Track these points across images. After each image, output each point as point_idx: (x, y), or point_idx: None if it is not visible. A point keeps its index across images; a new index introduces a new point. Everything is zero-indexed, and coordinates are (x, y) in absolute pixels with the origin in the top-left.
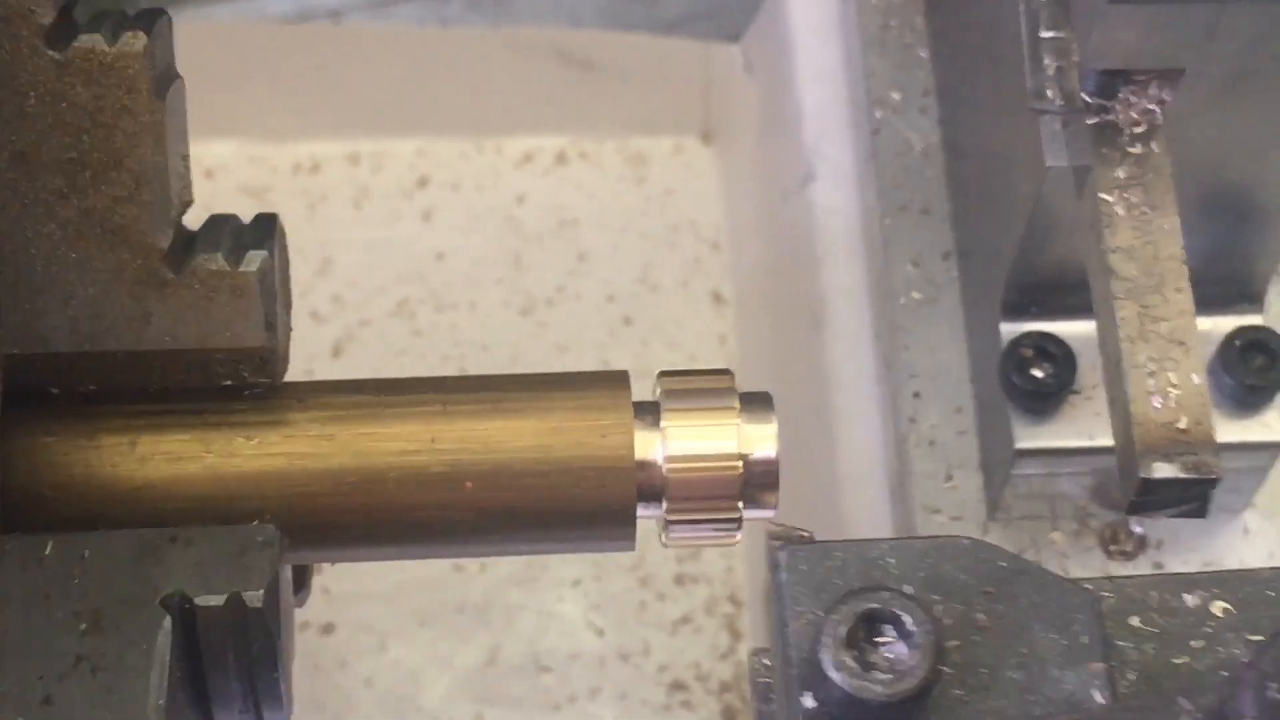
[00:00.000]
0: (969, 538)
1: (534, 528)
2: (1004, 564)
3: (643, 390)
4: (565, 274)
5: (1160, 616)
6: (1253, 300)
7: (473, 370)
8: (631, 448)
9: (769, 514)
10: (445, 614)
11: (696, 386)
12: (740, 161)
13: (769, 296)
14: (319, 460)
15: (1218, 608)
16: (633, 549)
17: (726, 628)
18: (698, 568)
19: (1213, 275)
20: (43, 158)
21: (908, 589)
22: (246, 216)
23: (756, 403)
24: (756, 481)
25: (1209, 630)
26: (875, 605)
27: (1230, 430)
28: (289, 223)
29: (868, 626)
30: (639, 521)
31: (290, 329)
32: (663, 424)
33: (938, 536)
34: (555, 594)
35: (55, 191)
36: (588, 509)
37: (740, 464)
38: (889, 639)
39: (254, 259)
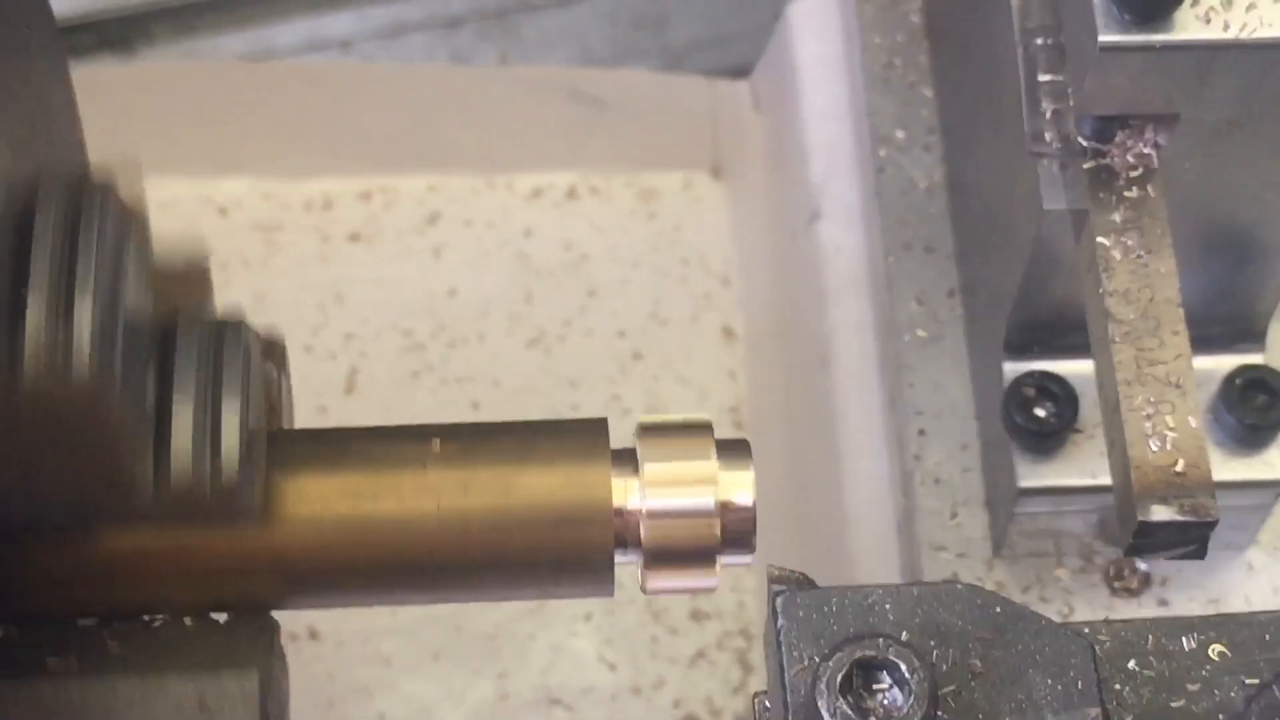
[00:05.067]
0: (965, 584)
1: (512, 575)
2: (1000, 610)
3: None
4: (576, 309)
5: (1157, 660)
6: (1254, 339)
7: (485, 405)
8: (609, 495)
9: (747, 560)
10: (457, 647)
11: (674, 435)
12: (750, 197)
13: (779, 332)
14: (303, 509)
15: (1215, 651)
16: (611, 595)
17: (738, 662)
18: (710, 603)
19: (1213, 315)
20: None
21: (904, 635)
22: (260, 252)
23: (734, 450)
24: (734, 528)
25: (1206, 674)
26: (870, 653)
27: (1232, 469)
28: (301, 259)
29: (863, 673)
30: (623, 568)
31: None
32: (641, 472)
33: (934, 583)
34: (567, 628)
35: None
36: (566, 556)
37: (717, 512)
38: (885, 685)
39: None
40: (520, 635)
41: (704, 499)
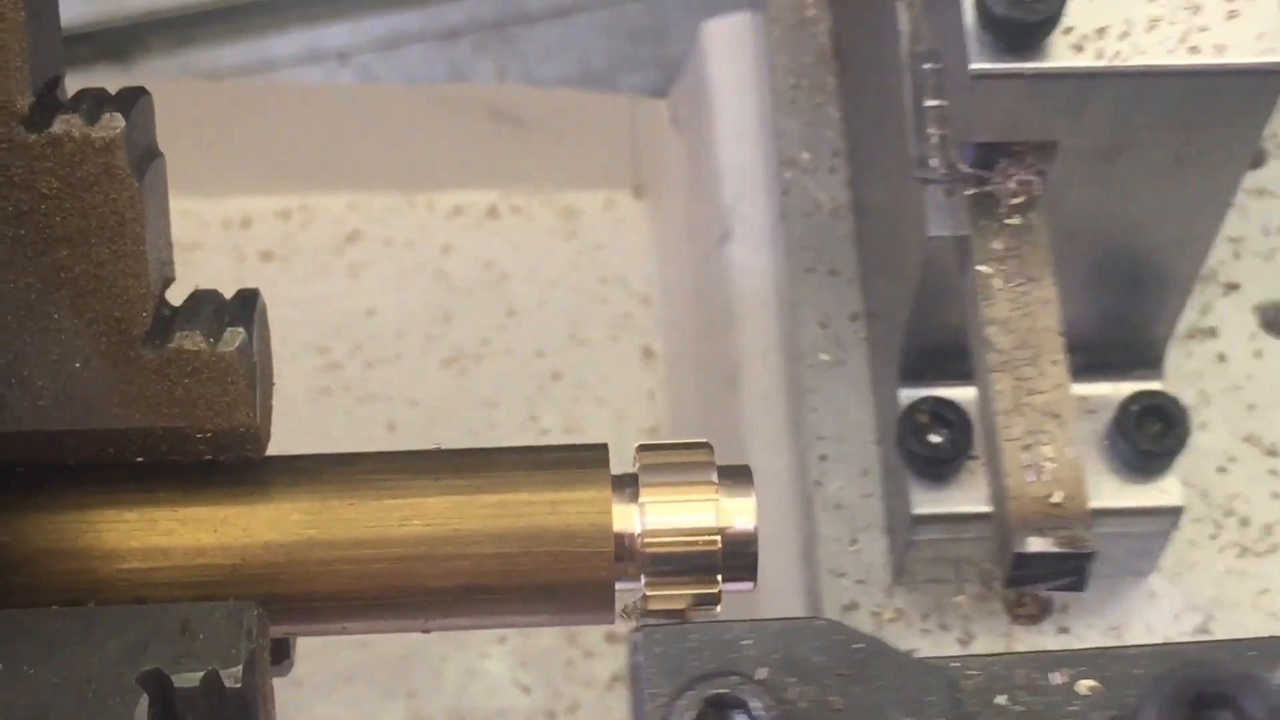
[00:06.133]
0: (826, 619)
1: (511, 601)
2: (860, 645)
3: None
4: (494, 328)
5: (1027, 694)
6: (1150, 365)
7: (401, 426)
8: (610, 522)
9: (748, 587)
10: (371, 670)
11: (675, 460)
12: (670, 217)
13: (695, 353)
14: (297, 535)
15: (1084, 686)
16: (612, 623)
17: None
18: (626, 627)
19: (1109, 340)
20: (21, 240)
21: (761, 672)
22: (177, 271)
23: (735, 476)
24: (735, 555)
25: (1074, 709)
26: (723, 690)
27: (1129, 496)
28: (219, 278)
29: (717, 711)
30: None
31: (271, 405)
32: (641, 498)
33: (794, 618)
34: (480, 650)
35: (34, 273)
36: (566, 583)
37: (719, 538)
38: None
39: (233, 337)
40: (433, 657)
41: (705, 526)
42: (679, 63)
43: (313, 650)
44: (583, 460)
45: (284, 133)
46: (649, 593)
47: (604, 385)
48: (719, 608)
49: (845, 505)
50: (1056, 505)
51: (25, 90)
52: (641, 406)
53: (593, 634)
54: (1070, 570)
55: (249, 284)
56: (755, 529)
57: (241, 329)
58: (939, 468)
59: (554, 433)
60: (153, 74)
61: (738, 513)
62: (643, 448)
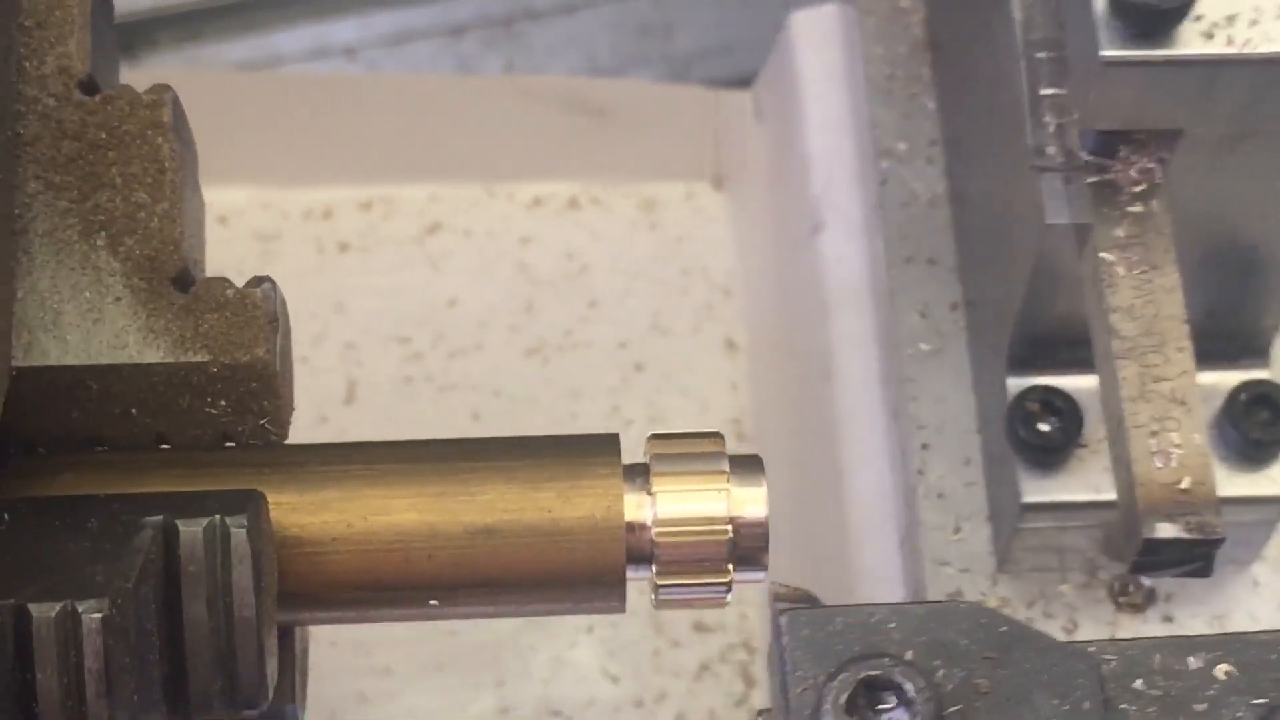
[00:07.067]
0: (969, 602)
1: (523, 590)
2: (1005, 629)
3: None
4: (576, 320)
5: (1164, 679)
6: (1259, 354)
7: (485, 416)
8: (621, 511)
9: (759, 576)
10: (460, 659)
11: (686, 449)
12: (752, 208)
13: (780, 344)
14: (314, 523)
15: (1221, 671)
16: (623, 611)
17: (741, 675)
18: (713, 616)
19: (1218, 330)
20: (68, 185)
21: (909, 655)
22: (258, 262)
23: (746, 465)
24: (746, 544)
25: (1212, 693)
26: (876, 672)
27: (1237, 484)
28: (300, 269)
29: (868, 693)
30: (630, 583)
31: (293, 390)
32: (652, 487)
33: (939, 601)
34: (569, 639)
35: (77, 214)
36: (577, 572)
37: (729, 527)
38: (890, 705)
39: (256, 283)
40: (522, 647)
41: (716, 515)
42: (687, 58)
43: (402, 639)
44: (594, 450)
45: (366, 124)
46: (659, 582)
47: (687, 376)
48: (729, 598)
49: (948, 494)
50: (1185, 491)
51: (85, 59)
52: (724, 398)
53: (680, 624)
54: (1198, 556)
55: (330, 275)
56: (766, 518)
57: (267, 281)
58: (1048, 456)
59: (637, 424)
60: (158, 70)
61: (749, 501)
62: (654, 437)
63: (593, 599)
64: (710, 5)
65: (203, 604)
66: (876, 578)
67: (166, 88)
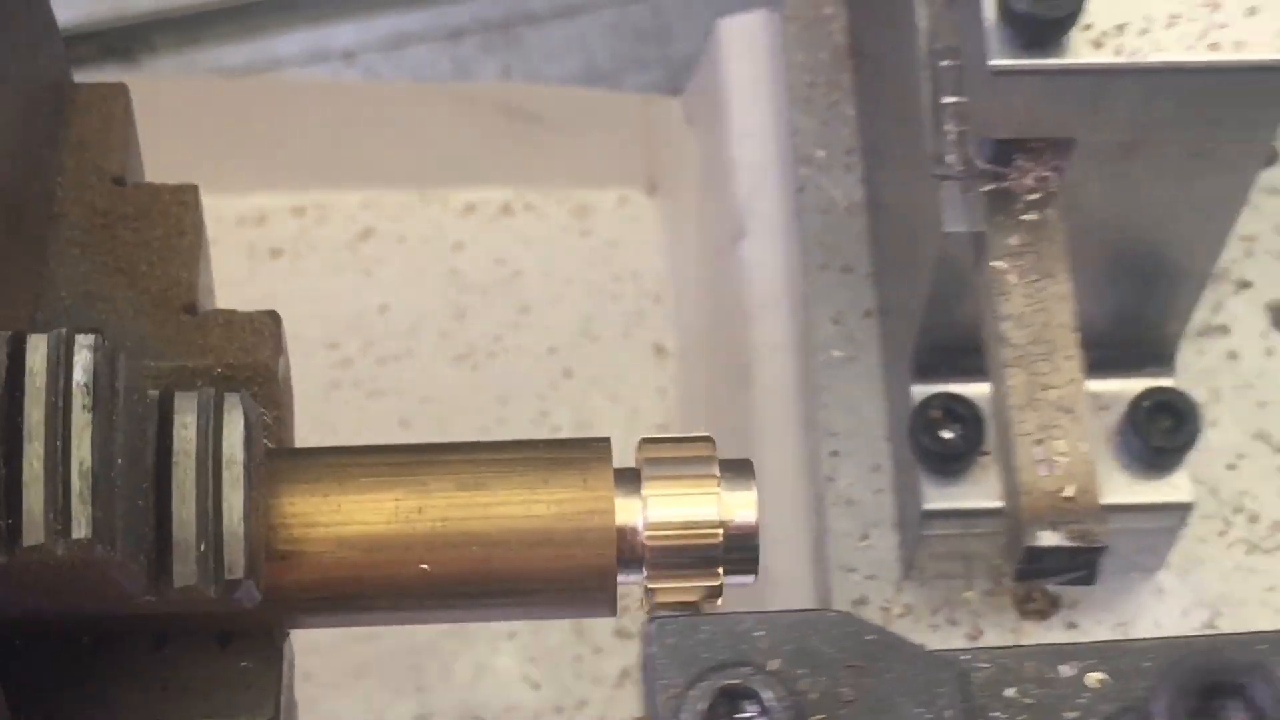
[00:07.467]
0: (838, 611)
1: (513, 594)
2: (872, 637)
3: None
4: (507, 325)
5: (1036, 687)
6: (1163, 362)
7: (413, 423)
8: (612, 515)
9: (749, 580)
10: (380, 665)
11: (677, 454)
12: (682, 214)
13: (706, 350)
14: (306, 525)
15: (1093, 679)
16: (614, 615)
17: None
18: (635, 622)
19: (1122, 337)
20: (97, 244)
21: (774, 663)
22: None
23: (737, 470)
24: (737, 548)
25: (1083, 701)
26: (735, 681)
27: (1140, 492)
28: (234, 275)
29: (729, 702)
30: (620, 588)
31: (293, 411)
32: (643, 491)
33: (806, 610)
34: (490, 645)
35: (100, 261)
36: (568, 576)
37: (720, 531)
38: (750, 714)
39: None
40: (443, 653)
41: (707, 519)
42: (685, 62)
43: (322, 645)
44: (585, 454)
45: (298, 130)
46: (651, 586)
47: (616, 382)
48: (720, 601)
49: (856, 501)
50: (1068, 499)
51: (123, 166)
52: (653, 403)
53: (602, 630)
54: (1081, 564)
55: (262, 281)
56: (757, 522)
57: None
58: (951, 463)
59: (565, 429)
60: (158, 73)
61: (739, 506)
62: (645, 441)
63: (583, 602)
64: (708, 9)
65: (192, 460)
66: (785, 584)
67: (194, 188)
